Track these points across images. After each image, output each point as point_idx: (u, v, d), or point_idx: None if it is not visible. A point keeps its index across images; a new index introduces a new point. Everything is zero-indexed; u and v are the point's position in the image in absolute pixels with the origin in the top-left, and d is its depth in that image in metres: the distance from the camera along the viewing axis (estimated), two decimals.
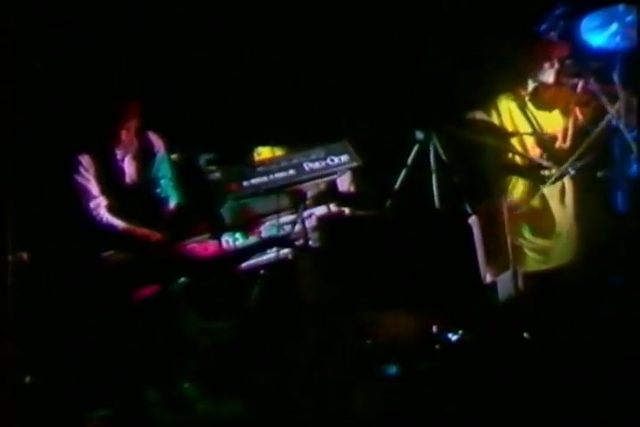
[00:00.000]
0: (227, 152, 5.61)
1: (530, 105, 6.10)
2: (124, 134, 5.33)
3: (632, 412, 4.32)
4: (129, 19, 6.07)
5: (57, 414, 4.78)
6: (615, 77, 6.09)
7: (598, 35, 6.28)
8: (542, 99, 6.08)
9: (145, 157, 5.47)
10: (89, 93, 5.66)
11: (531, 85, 6.08)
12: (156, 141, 5.51)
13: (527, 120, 6.10)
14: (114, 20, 6.04)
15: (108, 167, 5.37)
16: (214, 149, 5.63)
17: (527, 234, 6.10)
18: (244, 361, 5.15)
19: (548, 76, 6.07)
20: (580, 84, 6.03)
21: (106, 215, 5.32)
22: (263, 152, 5.73)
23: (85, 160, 5.34)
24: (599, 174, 6.21)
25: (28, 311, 4.62)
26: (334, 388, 4.87)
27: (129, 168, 5.45)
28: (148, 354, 5.04)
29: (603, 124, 5.94)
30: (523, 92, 6.09)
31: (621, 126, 5.97)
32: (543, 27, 6.27)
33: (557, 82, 6.08)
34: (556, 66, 6.10)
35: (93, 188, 5.35)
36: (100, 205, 5.33)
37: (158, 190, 5.44)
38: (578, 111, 6.09)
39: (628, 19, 6.16)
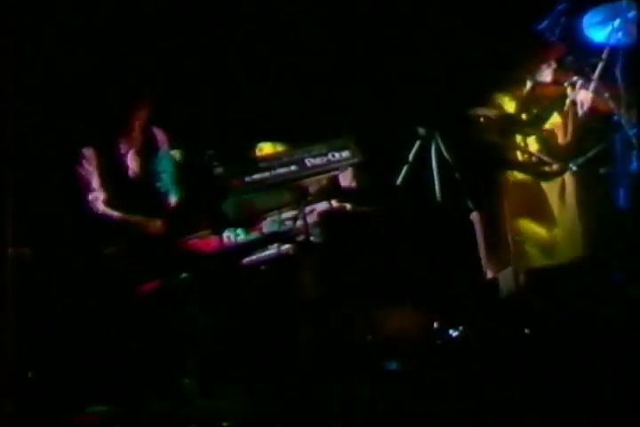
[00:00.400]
0: (229, 148, 5.60)
1: (528, 103, 6.09)
2: (131, 129, 5.35)
3: (631, 410, 4.32)
4: (135, 15, 6.08)
5: (57, 409, 4.78)
6: (617, 73, 6.10)
7: (600, 30, 6.28)
8: (540, 97, 6.08)
9: (148, 151, 5.47)
10: (98, 88, 5.67)
11: (529, 84, 6.08)
12: (160, 136, 5.52)
13: (526, 118, 6.10)
14: (121, 16, 6.04)
15: (111, 161, 5.38)
16: (216, 144, 5.62)
17: (528, 230, 6.10)
18: (243, 357, 5.15)
19: (546, 75, 6.07)
20: (579, 83, 6.02)
21: (102, 208, 5.34)
22: (265, 148, 5.73)
23: (89, 153, 5.35)
24: (601, 171, 6.22)
25: (28, 307, 4.62)
26: (334, 384, 4.87)
27: (132, 163, 5.46)
28: (148, 349, 5.04)
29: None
30: (521, 91, 6.09)
31: (623, 123, 5.98)
32: (545, 23, 6.28)
33: (555, 80, 6.07)
34: (554, 65, 6.10)
35: (94, 181, 5.36)
36: (97, 199, 5.34)
37: (160, 185, 5.45)
38: (577, 108, 6.08)
39: (630, 15, 6.15)
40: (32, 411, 4.58)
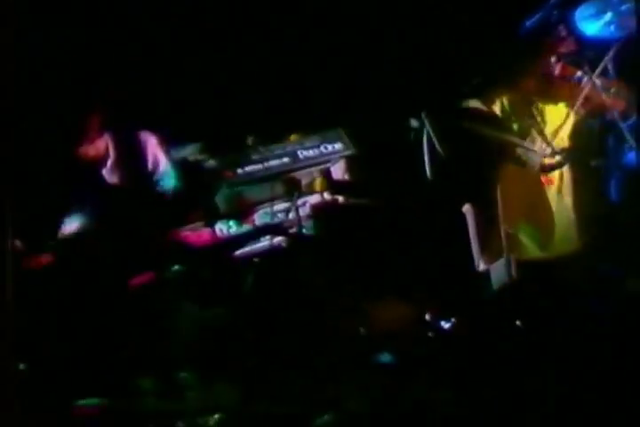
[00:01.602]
0: (221, 140, 5.61)
1: (532, 96, 6.07)
2: (88, 136, 5.35)
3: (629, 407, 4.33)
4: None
5: (51, 402, 4.78)
6: (610, 67, 6.10)
7: (592, 24, 6.27)
8: (545, 91, 6.06)
9: (132, 153, 5.48)
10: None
11: (533, 78, 6.06)
12: (145, 136, 5.52)
13: (528, 110, 6.09)
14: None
15: (90, 167, 5.41)
16: (208, 136, 5.62)
17: (522, 222, 6.10)
18: (238, 349, 5.15)
19: (552, 70, 6.04)
20: (585, 79, 6.01)
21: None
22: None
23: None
24: (593, 163, 6.22)
25: (25, 302, 4.62)
26: (329, 376, 4.88)
27: (114, 166, 5.48)
28: (143, 342, 5.04)
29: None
30: (524, 84, 6.07)
31: (615, 115, 5.98)
32: (537, 15, 6.26)
33: (560, 75, 6.05)
34: (561, 60, 6.08)
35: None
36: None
37: (154, 179, 5.48)
38: (579, 103, 6.06)
39: (623, 8, 6.15)
40: (26, 404, 4.59)
